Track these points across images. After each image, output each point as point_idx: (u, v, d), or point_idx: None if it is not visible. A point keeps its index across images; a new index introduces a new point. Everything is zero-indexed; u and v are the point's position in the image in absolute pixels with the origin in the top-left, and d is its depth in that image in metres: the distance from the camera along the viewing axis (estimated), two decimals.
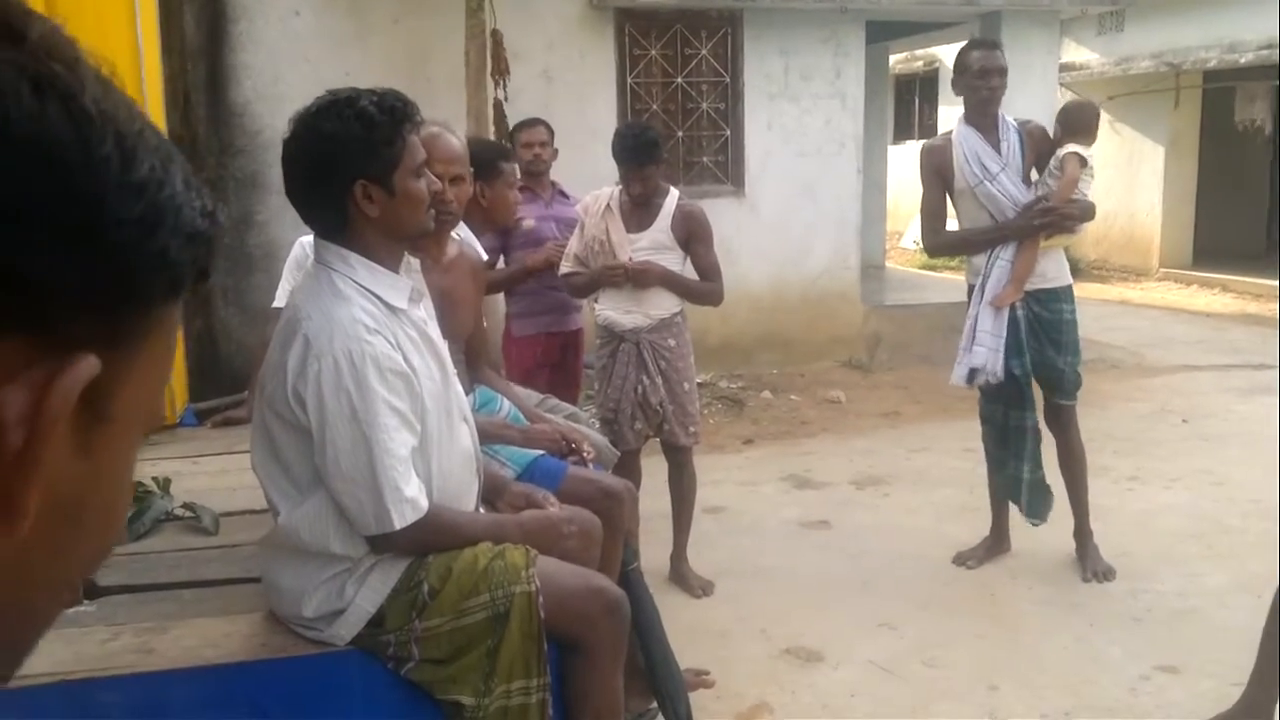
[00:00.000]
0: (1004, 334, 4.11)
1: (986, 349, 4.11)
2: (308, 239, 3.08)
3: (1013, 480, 4.30)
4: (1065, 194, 4.07)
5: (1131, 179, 13.63)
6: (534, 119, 5.00)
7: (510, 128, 6.07)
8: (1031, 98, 7.81)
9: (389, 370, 2.08)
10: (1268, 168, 14.30)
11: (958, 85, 4.17)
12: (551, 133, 4.90)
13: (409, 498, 2.10)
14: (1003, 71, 4.07)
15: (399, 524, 2.09)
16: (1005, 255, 4.13)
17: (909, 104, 17.43)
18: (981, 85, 4.08)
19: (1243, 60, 11.71)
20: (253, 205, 6.81)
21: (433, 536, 2.17)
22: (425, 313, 2.32)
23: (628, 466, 4.06)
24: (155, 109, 4.42)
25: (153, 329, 0.48)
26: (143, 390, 0.49)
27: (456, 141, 2.92)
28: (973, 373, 4.18)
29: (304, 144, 2.11)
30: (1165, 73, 12.76)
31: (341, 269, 2.14)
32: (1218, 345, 9.38)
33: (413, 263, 2.37)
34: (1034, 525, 4.34)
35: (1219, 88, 13.07)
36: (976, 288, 4.22)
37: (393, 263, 2.23)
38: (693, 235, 4.06)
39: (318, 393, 2.04)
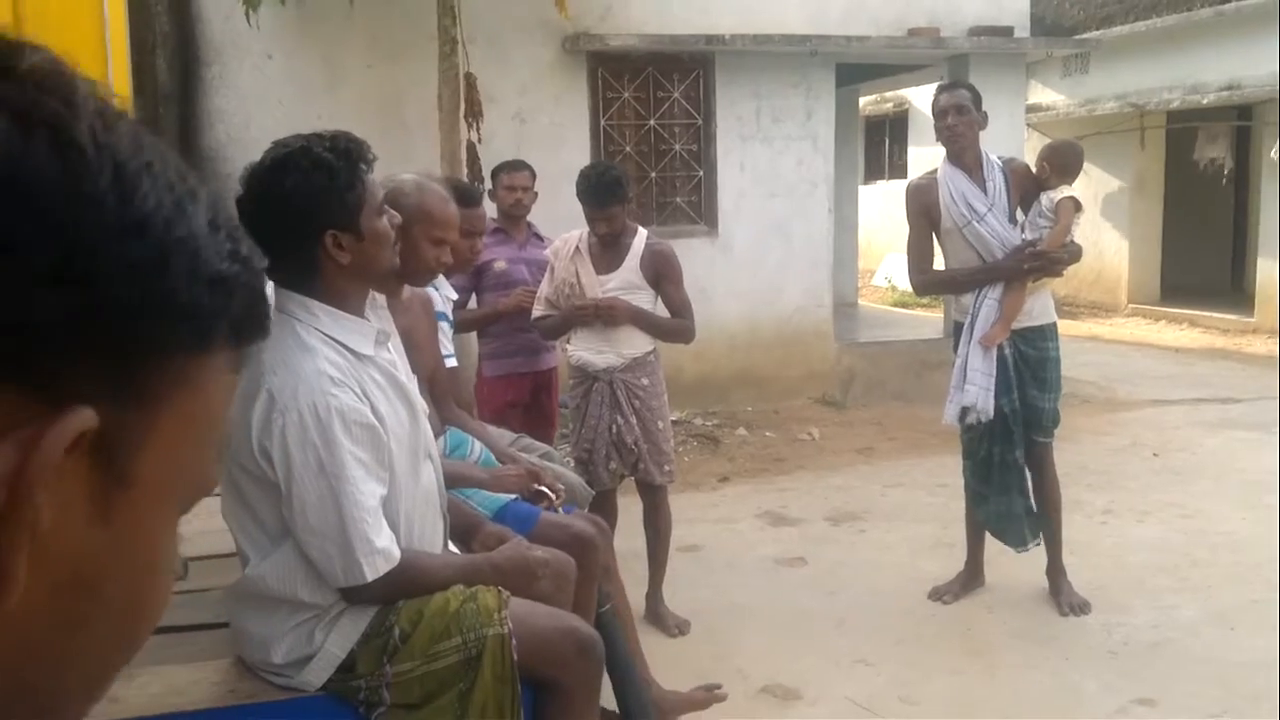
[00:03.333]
0: (994, 372, 4.13)
1: (978, 387, 4.13)
2: None
3: (1003, 514, 4.28)
4: (1059, 240, 4.11)
5: (1099, 217, 13.82)
6: (518, 161, 4.96)
7: (483, 170, 6.11)
8: (999, 138, 7.90)
9: (355, 423, 2.06)
10: (1230, 205, 14.56)
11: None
12: (534, 176, 4.90)
13: (380, 549, 2.08)
14: (960, 109, 4.11)
15: (370, 576, 2.07)
16: (993, 294, 4.16)
17: (879, 145, 17.64)
18: (941, 125, 4.15)
19: (1205, 101, 11.95)
20: None
21: (404, 584, 2.15)
22: (394, 353, 2.31)
23: (603, 506, 4.05)
24: None
25: (180, 384, 0.44)
26: (175, 454, 0.45)
27: (453, 205, 2.93)
28: (964, 411, 4.19)
29: (265, 203, 2.06)
30: (1130, 113, 12.99)
31: (305, 319, 2.11)
32: (1186, 380, 9.49)
33: (378, 299, 2.36)
34: (1022, 552, 4.34)
35: (1182, 128, 13.31)
36: (965, 326, 4.23)
37: (358, 306, 2.22)
38: (662, 274, 4.07)
39: (284, 448, 2.02)
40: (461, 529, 2.55)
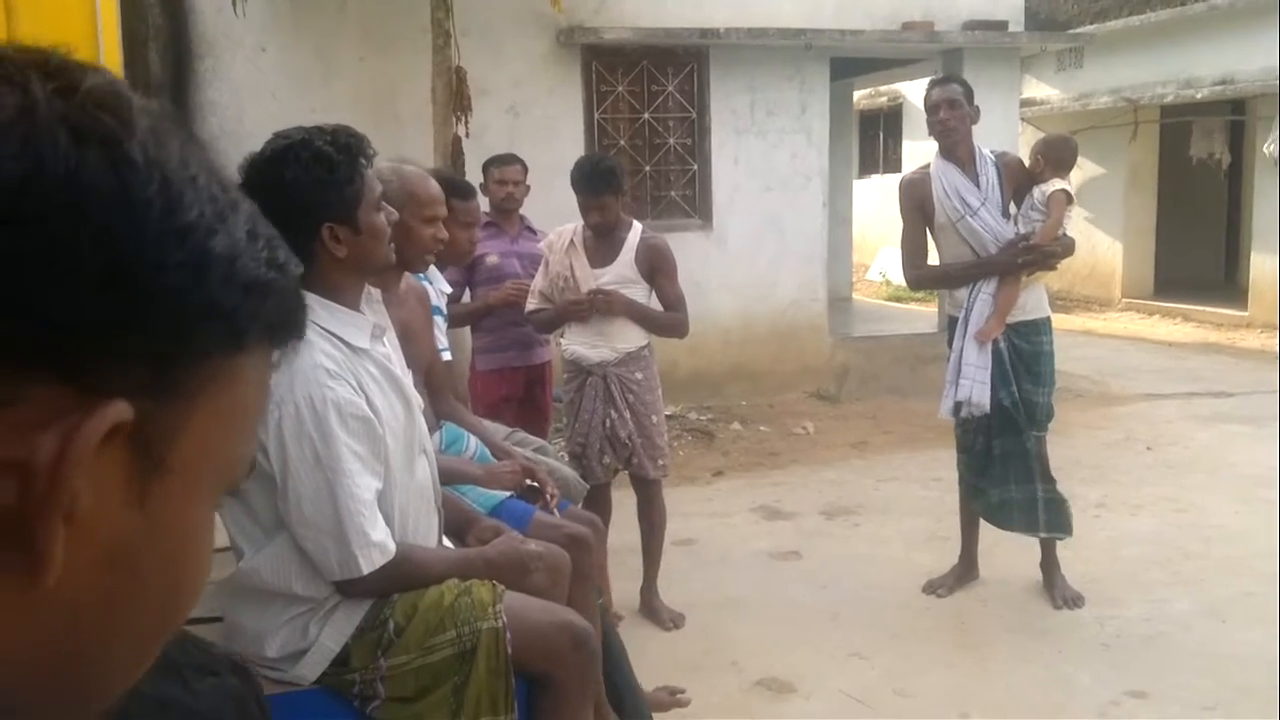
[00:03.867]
0: (989, 366, 4.13)
1: (973, 381, 4.13)
2: None
3: (1006, 503, 4.24)
4: (1051, 233, 4.11)
5: (1093, 211, 13.84)
6: (509, 155, 4.95)
7: (466, 164, 6.09)
8: (994, 132, 7.92)
9: (351, 415, 2.06)
10: (1224, 200, 14.59)
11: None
12: (525, 169, 4.90)
13: (376, 541, 2.08)
14: (952, 103, 4.11)
15: (366, 569, 2.07)
16: (987, 289, 4.16)
17: (874, 139, 17.64)
18: (933, 120, 4.15)
19: (1199, 96, 11.96)
20: None
21: (399, 578, 2.15)
22: (389, 347, 2.31)
23: (597, 500, 4.05)
24: None
25: (215, 380, 0.47)
26: (209, 444, 0.49)
27: (434, 182, 2.92)
28: (959, 405, 4.19)
29: (263, 194, 2.06)
30: (1123, 108, 13.01)
31: None
32: (1179, 374, 9.51)
33: (373, 293, 2.36)
34: (1056, 540, 4.30)
35: (1176, 122, 13.33)
36: (960, 320, 4.23)
37: (354, 300, 2.22)
38: (656, 268, 4.07)
39: (279, 440, 2.02)
40: (456, 524, 2.55)
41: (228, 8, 6.26)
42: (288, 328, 0.52)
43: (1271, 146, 11.36)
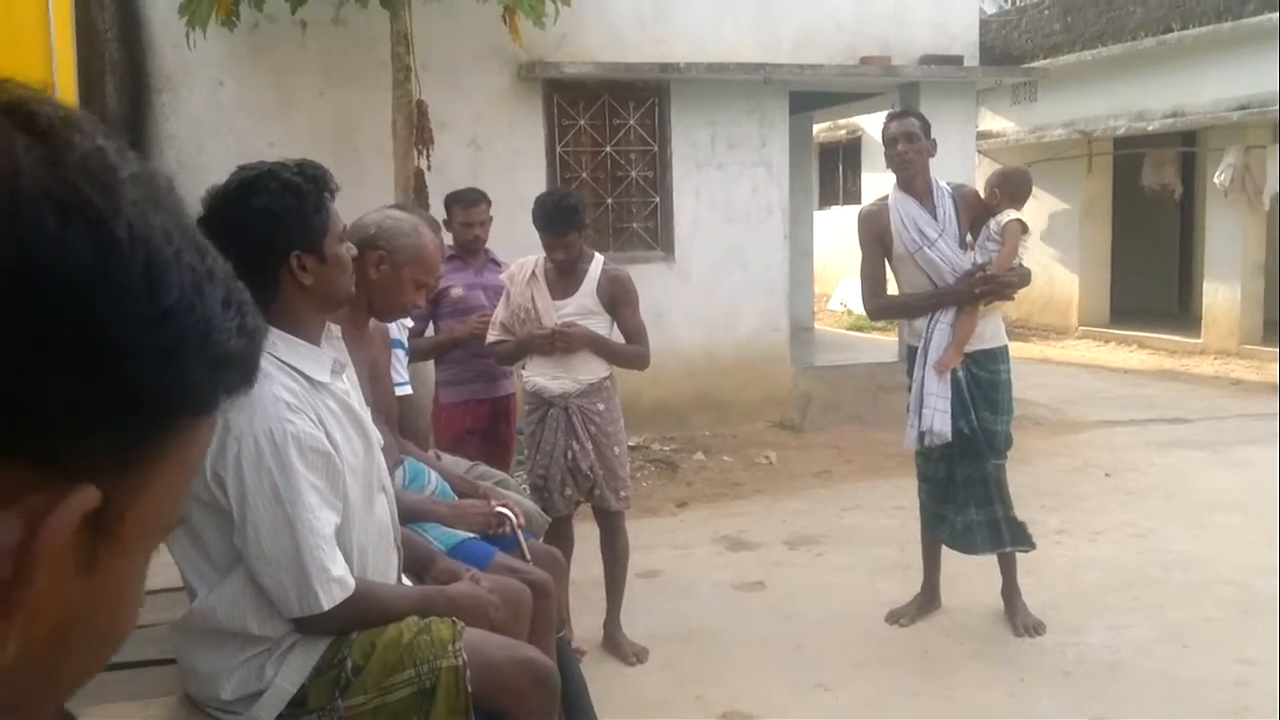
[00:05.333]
0: (950, 395, 4.17)
1: (935, 411, 4.16)
2: None
3: (967, 526, 4.28)
4: (1007, 263, 4.16)
5: (1050, 241, 14.06)
6: (474, 193, 4.86)
7: (429, 197, 6.09)
8: (950, 165, 8.03)
9: (311, 449, 2.05)
10: (1176, 229, 14.87)
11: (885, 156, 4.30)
12: (489, 205, 4.87)
13: (336, 577, 2.06)
14: (910, 136, 4.17)
15: (327, 604, 2.04)
16: (945, 319, 4.20)
17: (833, 171, 17.83)
18: (891, 153, 4.21)
19: (1150, 128, 12.22)
20: None
21: (359, 614, 2.13)
22: (348, 384, 2.30)
23: (559, 533, 4.03)
24: None
25: (172, 447, 0.47)
26: (161, 504, 0.48)
27: (439, 254, 2.96)
28: (923, 435, 4.22)
29: (233, 222, 2.05)
30: (1077, 140, 13.25)
31: None
32: (1136, 401, 9.64)
33: (333, 329, 2.35)
34: (998, 553, 4.35)
35: (1129, 154, 13.60)
36: (919, 350, 4.27)
37: (315, 334, 2.21)
38: (618, 299, 4.08)
39: (238, 474, 2.00)
40: (414, 563, 2.52)
41: (185, 42, 6.23)
42: (244, 384, 0.52)
43: (1222, 177, 11.61)
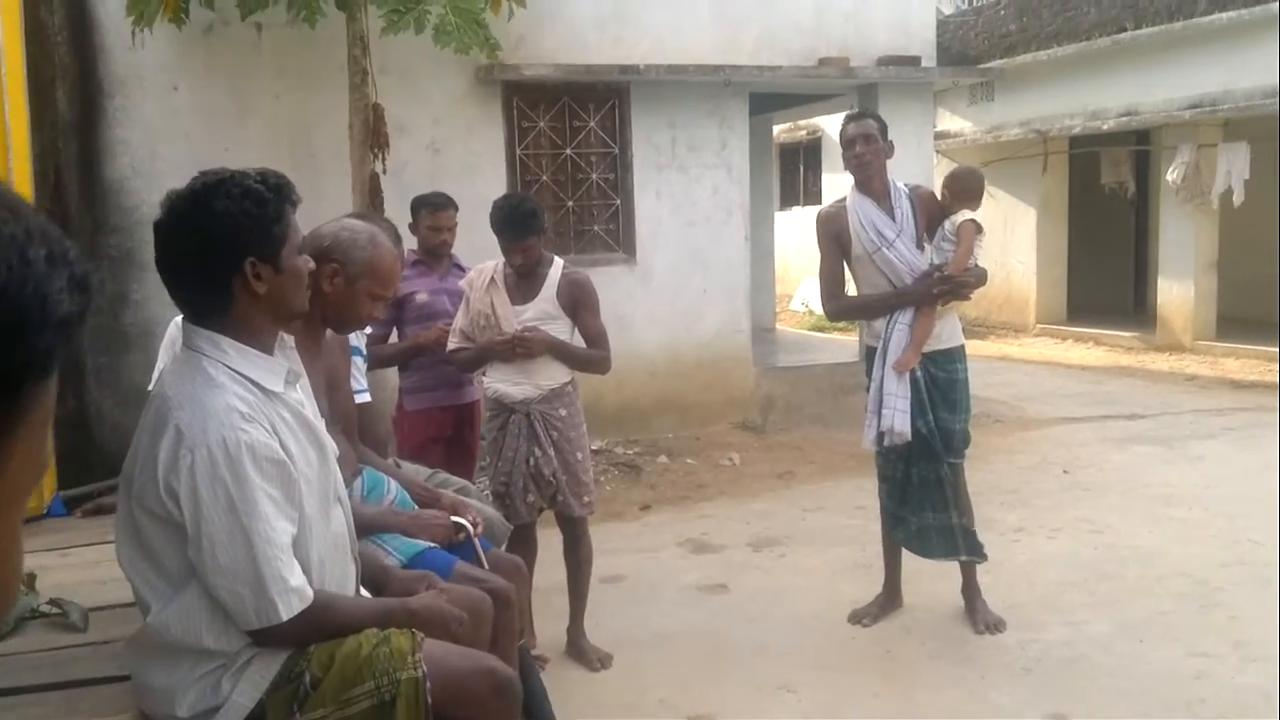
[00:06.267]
0: (909, 395, 4.20)
1: (894, 411, 4.19)
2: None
3: (924, 529, 4.34)
4: (963, 263, 4.20)
5: (1007, 239, 14.21)
6: (442, 197, 4.80)
7: (385, 200, 6.04)
8: (909, 165, 8.10)
9: (265, 459, 2.02)
10: (1131, 227, 15.09)
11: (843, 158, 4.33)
12: (457, 209, 4.83)
13: (294, 587, 2.03)
14: (867, 138, 4.20)
15: (285, 615, 2.02)
16: (904, 319, 4.23)
17: (794, 172, 17.93)
18: (849, 155, 4.24)
19: (1105, 127, 12.39)
20: (128, 284, 6.63)
21: (318, 625, 2.10)
22: (302, 394, 2.27)
23: (521, 540, 4.01)
24: (23, 187, 4.29)
25: (34, 403, 0.49)
26: (28, 459, 0.50)
27: (398, 266, 2.93)
28: (881, 435, 4.25)
29: (192, 224, 2.05)
30: (1034, 139, 13.41)
31: (213, 354, 2.08)
32: (1094, 397, 9.77)
33: (287, 340, 2.33)
34: (954, 561, 4.40)
35: (1084, 153, 13.78)
36: (878, 351, 4.30)
37: (268, 344, 2.18)
38: (578, 303, 4.07)
39: (192, 485, 1.97)
40: (372, 578, 2.50)
41: (138, 47, 6.14)
42: (83, 332, 0.52)
43: (1174, 175, 11.79)
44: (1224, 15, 10.94)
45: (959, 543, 4.33)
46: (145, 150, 6.76)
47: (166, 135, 6.77)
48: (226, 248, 2.05)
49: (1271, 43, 10.47)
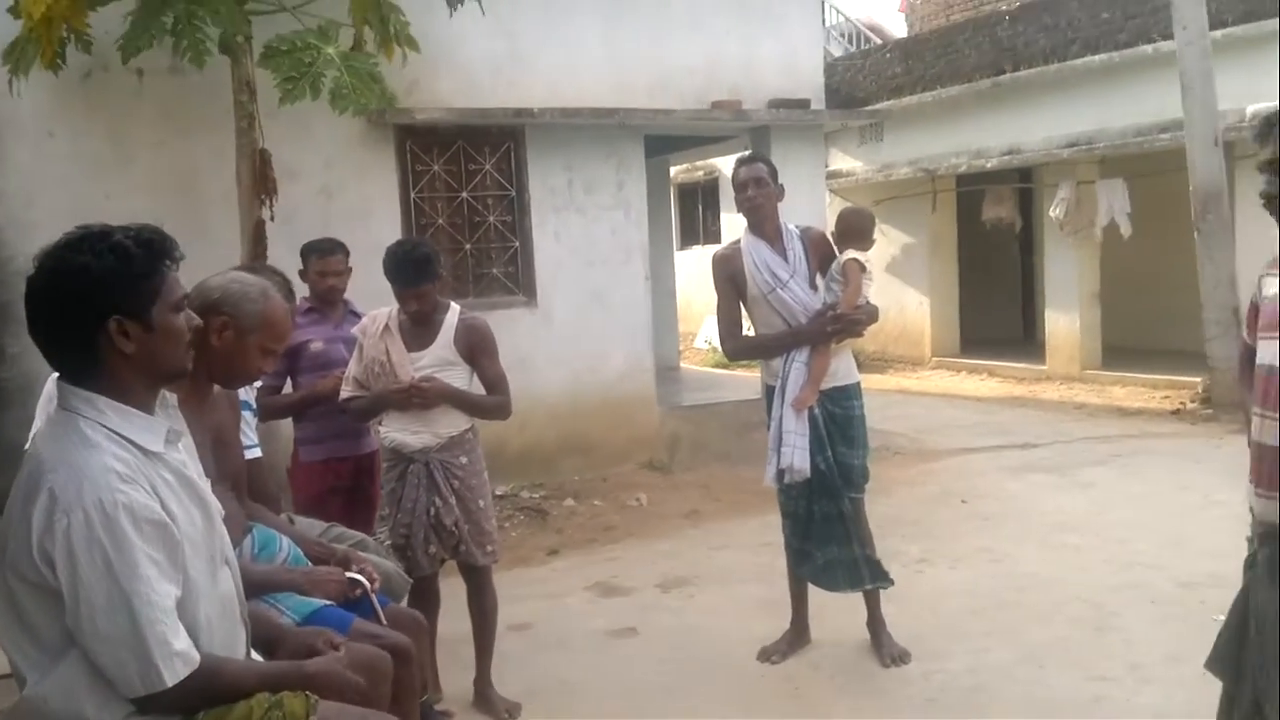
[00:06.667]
0: (808, 433, 4.24)
1: (793, 448, 4.22)
2: None
3: (830, 563, 4.37)
4: (852, 301, 4.27)
5: (900, 275, 14.57)
6: (330, 242, 4.75)
7: (269, 247, 5.92)
8: (801, 205, 8.24)
9: (146, 520, 1.94)
10: (1018, 261, 15.63)
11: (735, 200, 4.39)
12: (348, 255, 4.75)
13: (178, 651, 1.95)
14: (759, 182, 4.28)
15: (170, 680, 1.94)
16: (800, 358, 4.29)
17: (693, 211, 18.15)
18: (741, 198, 4.32)
19: (988, 165, 12.84)
20: (4, 338, 6.34)
21: (206, 690, 2.02)
22: (185, 453, 2.18)
23: (423, 592, 3.92)
24: None
25: None
26: None
27: (290, 321, 2.89)
28: (781, 472, 4.27)
29: (52, 279, 1.98)
30: (922, 178, 13.81)
31: (89, 414, 2.00)
32: (989, 428, 10.02)
33: (169, 398, 2.24)
34: (859, 591, 4.42)
35: (970, 190, 14.23)
36: (776, 389, 4.33)
37: (146, 403, 2.10)
38: (476, 348, 4.01)
39: (68, 549, 1.88)
40: (263, 639, 2.40)
41: (14, 93, 5.91)
42: None
43: (1056, 211, 12.25)
44: (1096, 58, 11.48)
45: (863, 573, 4.37)
46: (21, 199, 6.49)
47: (43, 183, 6.51)
48: (86, 304, 1.98)
49: (1139, 85, 11.01)
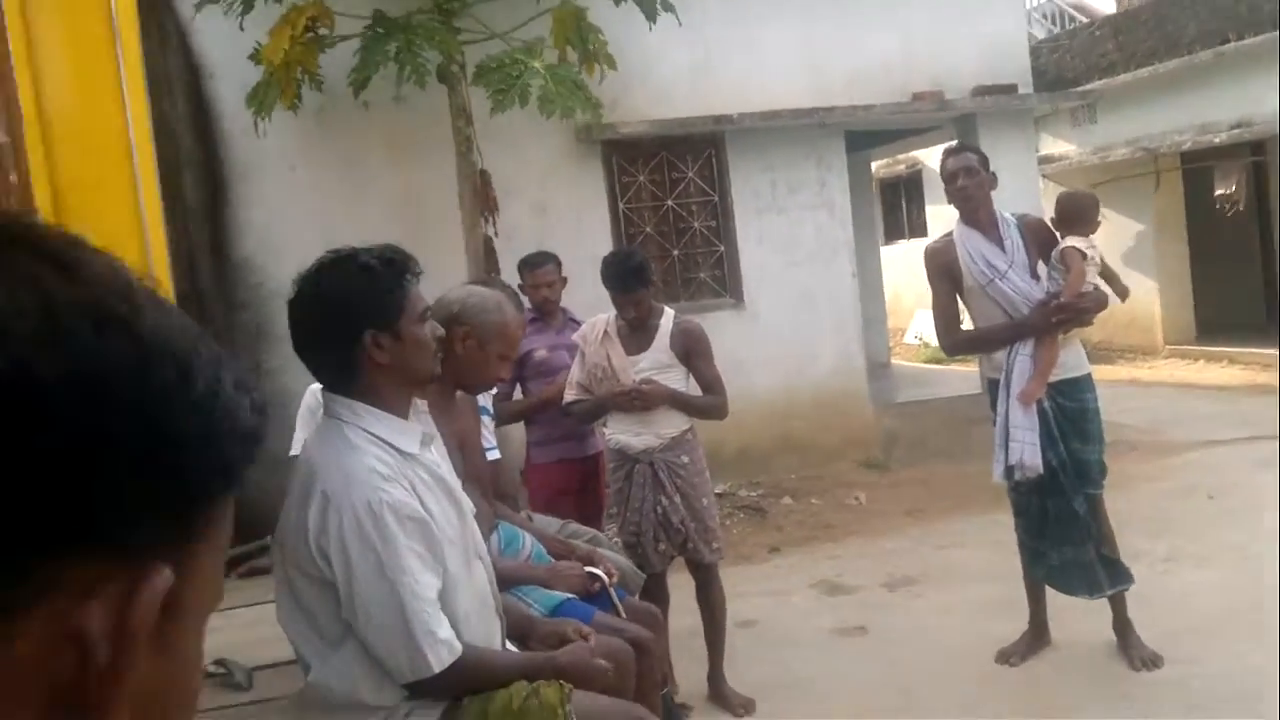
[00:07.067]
0: (1037, 427, 4.07)
1: (1022, 444, 4.07)
2: (317, 386, 3.13)
3: (1066, 564, 4.18)
4: (1075, 289, 4.07)
5: (1126, 261, 13.75)
6: (542, 255, 4.99)
7: (499, 261, 6.18)
8: (1014, 193, 7.93)
9: (407, 517, 2.09)
10: (1255, 240, 14.47)
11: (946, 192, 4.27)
12: (559, 265, 4.95)
13: (443, 639, 2.09)
14: (969, 171, 4.13)
15: (437, 667, 2.07)
16: (1025, 350, 4.13)
17: (896, 206, 17.74)
18: (952, 189, 4.18)
19: (1217, 140, 11.95)
20: (261, 355, 6.89)
21: (469, 677, 2.15)
22: (438, 455, 2.33)
23: (654, 589, 4.00)
24: (161, 272, 4.50)
25: (213, 524, 0.51)
26: (208, 578, 0.52)
27: (521, 329, 3.09)
28: (1010, 469, 4.13)
29: (311, 302, 2.17)
30: (1142, 157, 13.01)
31: (351, 420, 2.17)
32: (1232, 418, 9.32)
33: (420, 405, 2.39)
34: (1098, 598, 4.22)
35: (1197, 167, 13.31)
36: (1001, 384, 4.19)
37: (401, 409, 2.26)
38: (692, 351, 4.09)
39: (341, 547, 2.04)
40: (516, 629, 2.53)
41: (261, 133, 6.44)
42: (252, 458, 0.54)
43: None
44: None
45: (1101, 576, 4.15)
46: (269, 229, 7.06)
47: (287, 214, 7.06)
48: (343, 320, 2.16)
49: None
